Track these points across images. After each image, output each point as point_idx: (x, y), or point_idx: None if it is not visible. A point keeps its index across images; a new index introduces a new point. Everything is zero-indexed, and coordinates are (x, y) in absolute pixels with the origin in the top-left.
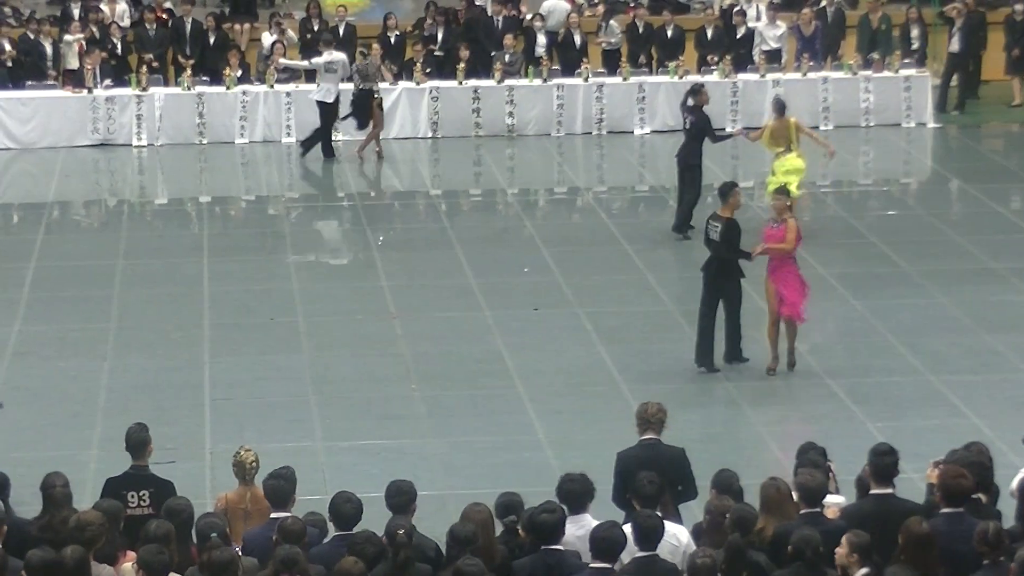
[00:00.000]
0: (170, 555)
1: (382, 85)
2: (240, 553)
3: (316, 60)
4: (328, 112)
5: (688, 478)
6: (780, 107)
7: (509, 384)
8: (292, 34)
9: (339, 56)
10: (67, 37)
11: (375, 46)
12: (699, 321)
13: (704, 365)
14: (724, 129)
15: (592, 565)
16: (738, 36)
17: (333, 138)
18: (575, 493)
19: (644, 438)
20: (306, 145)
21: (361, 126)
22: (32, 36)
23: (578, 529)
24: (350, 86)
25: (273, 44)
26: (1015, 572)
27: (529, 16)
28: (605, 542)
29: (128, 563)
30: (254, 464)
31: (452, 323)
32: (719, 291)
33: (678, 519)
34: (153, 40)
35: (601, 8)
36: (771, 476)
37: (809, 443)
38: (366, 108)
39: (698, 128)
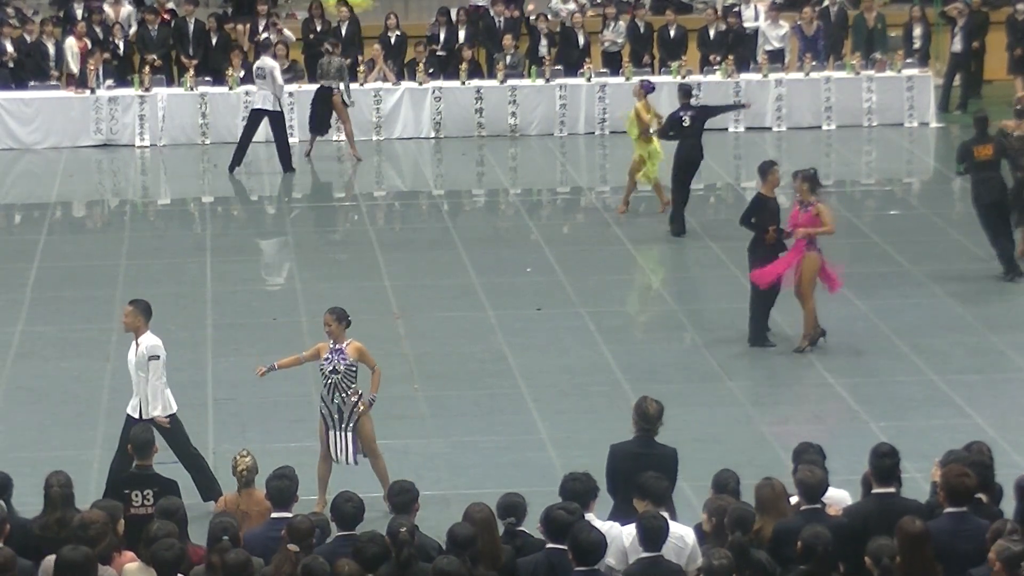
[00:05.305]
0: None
1: (385, 85)
2: None
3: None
4: (271, 119)
5: (674, 480)
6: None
7: (512, 384)
8: (289, 33)
9: (268, 63)
10: (68, 41)
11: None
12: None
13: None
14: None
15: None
16: (738, 37)
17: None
18: (578, 492)
19: (639, 435)
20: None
21: (313, 126)
22: (29, 38)
23: None
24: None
25: (275, 45)
26: (999, 570)
27: (534, 16)
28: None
29: (129, 563)
30: (244, 472)
31: (455, 323)
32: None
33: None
34: (155, 40)
35: (611, 9)
36: (765, 476)
37: (805, 443)
38: (321, 107)
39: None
